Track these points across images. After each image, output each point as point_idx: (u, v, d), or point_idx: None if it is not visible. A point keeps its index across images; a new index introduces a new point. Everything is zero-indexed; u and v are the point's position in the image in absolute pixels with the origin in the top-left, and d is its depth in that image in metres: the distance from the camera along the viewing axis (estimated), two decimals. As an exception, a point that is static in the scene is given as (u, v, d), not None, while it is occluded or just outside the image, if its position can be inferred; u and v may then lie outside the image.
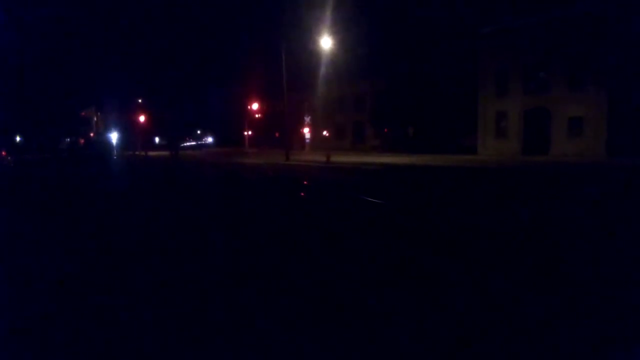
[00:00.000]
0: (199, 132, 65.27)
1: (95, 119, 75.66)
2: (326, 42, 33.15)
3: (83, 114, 72.92)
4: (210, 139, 64.35)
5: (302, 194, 15.04)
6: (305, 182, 18.14)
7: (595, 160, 27.01)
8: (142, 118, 64.02)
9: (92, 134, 78.25)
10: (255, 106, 65.51)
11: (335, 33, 34.20)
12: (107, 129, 72.21)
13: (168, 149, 59.80)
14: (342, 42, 38.16)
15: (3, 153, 40.81)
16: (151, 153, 57.63)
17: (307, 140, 57.35)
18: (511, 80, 36.59)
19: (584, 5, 32.03)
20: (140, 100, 66.94)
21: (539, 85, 35.16)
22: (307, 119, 56.20)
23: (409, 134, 48.60)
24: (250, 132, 72.39)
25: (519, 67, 35.96)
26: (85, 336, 3.90)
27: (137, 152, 59.41)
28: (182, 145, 64.45)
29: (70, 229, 9.11)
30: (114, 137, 67.94)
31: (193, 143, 63.44)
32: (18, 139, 67.38)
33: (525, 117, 36.07)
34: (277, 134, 65.05)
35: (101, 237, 8.10)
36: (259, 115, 68.47)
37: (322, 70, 44.95)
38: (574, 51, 32.43)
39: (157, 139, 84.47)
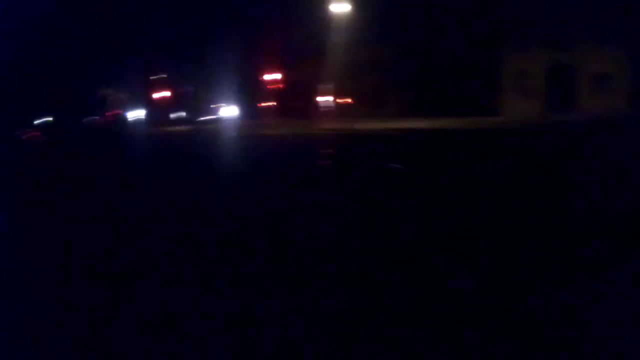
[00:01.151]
0: (217, 104, 65.29)
1: (117, 95, 76.23)
2: (345, 7, 32.85)
3: (105, 91, 73.49)
4: (230, 111, 64.46)
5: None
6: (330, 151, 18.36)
7: (622, 117, 26.61)
8: (162, 93, 64.38)
9: (115, 111, 78.99)
10: (275, 76, 65.16)
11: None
12: (129, 106, 72.77)
13: (189, 123, 60.22)
14: (360, 7, 37.67)
15: (35, 134, 41.80)
16: (171, 128, 58.08)
17: (329, 108, 57.09)
18: (533, 38, 35.81)
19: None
20: (157, 76, 67.16)
21: (563, 41, 34.38)
22: (328, 87, 55.78)
23: (430, 98, 48.09)
24: (270, 103, 72.26)
25: (541, 23, 35.13)
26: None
27: (160, 128, 59.96)
28: (203, 119, 64.68)
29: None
30: (136, 113, 68.52)
31: (215, 116, 63.57)
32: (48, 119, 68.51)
33: (548, 75, 35.44)
34: (298, 104, 64.78)
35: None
36: (279, 85, 68.13)
37: (341, 36, 44.44)
38: (598, 7, 31.52)
39: (175, 114, 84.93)
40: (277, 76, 63.25)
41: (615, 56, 30.98)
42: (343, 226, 6.62)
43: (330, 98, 56.49)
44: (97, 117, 72.39)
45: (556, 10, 33.77)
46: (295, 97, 63.55)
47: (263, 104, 73.09)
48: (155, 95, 64.92)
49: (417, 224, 6.51)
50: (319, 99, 56.67)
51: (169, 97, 67.87)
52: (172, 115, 79.05)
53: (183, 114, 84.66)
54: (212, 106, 67.57)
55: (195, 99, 76.78)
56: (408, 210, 7.44)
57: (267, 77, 66.57)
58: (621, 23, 30.43)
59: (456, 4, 43.35)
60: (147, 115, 69.63)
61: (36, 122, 63.17)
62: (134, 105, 70.43)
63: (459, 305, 3.81)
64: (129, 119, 68.25)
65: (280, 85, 68.31)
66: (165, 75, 67.74)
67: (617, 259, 4.68)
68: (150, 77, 65.10)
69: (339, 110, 55.41)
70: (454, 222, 6.49)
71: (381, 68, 53.94)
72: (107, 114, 78.58)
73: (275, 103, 72.31)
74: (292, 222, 7.03)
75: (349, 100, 44.39)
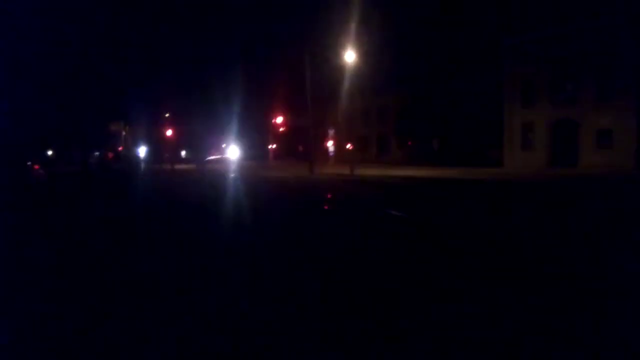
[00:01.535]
0: (223, 145, 66.07)
1: (123, 132, 77.31)
2: (350, 56, 33.37)
3: (112, 128, 74.59)
4: (235, 152, 65.08)
5: (326, 207, 15.14)
6: (329, 196, 18.22)
7: (625, 174, 26.42)
8: (169, 132, 65.21)
9: (120, 148, 79.96)
10: (279, 120, 66.09)
11: (359, 46, 34.43)
12: (135, 143, 73.64)
13: (195, 162, 60.74)
14: (366, 55, 38.36)
15: (35, 167, 41.88)
16: (178, 166, 58.60)
17: (331, 153, 57.53)
18: (537, 92, 36.20)
19: (610, 17, 31.64)
20: (167, 115, 68.26)
21: (566, 97, 34.71)
22: (331, 132, 56.38)
23: (433, 147, 48.37)
24: (273, 145, 72.97)
25: (545, 78, 35.58)
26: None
27: (164, 166, 60.41)
28: (208, 158, 65.27)
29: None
30: (142, 150, 69.26)
31: (218, 156, 64.19)
32: (50, 152, 69.26)
33: (552, 129, 35.59)
34: (300, 147, 65.43)
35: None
36: (283, 128, 68.99)
37: (346, 83, 45.15)
38: (602, 62, 31.99)
39: (183, 153, 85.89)
40: (283, 120, 64.11)
41: (619, 112, 31.14)
42: (339, 270, 6.36)
43: (330, 144, 57.04)
44: (105, 152, 73.07)
45: (561, 65, 34.27)
46: (300, 141, 64.19)
47: (269, 146, 73.78)
48: (162, 133, 65.74)
49: (416, 270, 6.25)
50: (327, 143, 57.21)
51: (176, 135, 68.70)
52: (179, 154, 79.87)
53: (188, 152, 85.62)
54: (217, 146, 68.36)
55: (201, 138, 77.65)
56: (408, 255, 7.21)
57: (273, 120, 67.51)
58: (626, 79, 30.75)
59: (463, 56, 44.21)
60: (154, 152, 70.30)
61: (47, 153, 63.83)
62: (142, 142, 71.22)
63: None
64: (138, 156, 68.83)
65: (286, 129, 69.16)
66: (172, 114, 68.80)
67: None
68: (158, 115, 66.11)
69: (342, 156, 55.78)
70: (454, 268, 6.23)
71: (386, 116, 54.61)
72: (118, 148, 79.54)
73: (279, 146, 73.06)
74: (291, 263, 6.79)
75: (350, 146, 44.75)
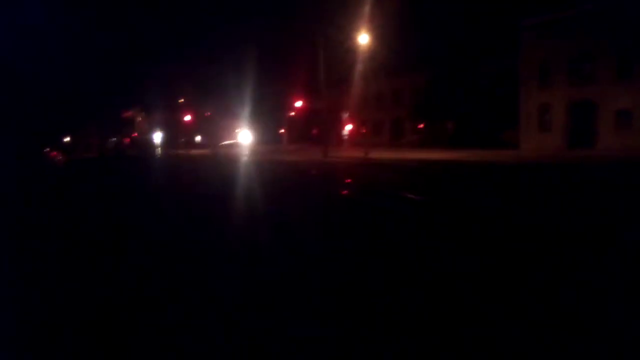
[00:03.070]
0: (237, 130, 66.24)
1: (139, 118, 77.86)
2: (364, 38, 33.04)
3: (128, 114, 75.19)
4: (248, 137, 65.26)
5: (343, 191, 15.15)
6: (342, 179, 18.22)
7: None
8: (184, 118, 65.54)
9: (135, 134, 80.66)
10: (294, 103, 65.94)
11: (373, 28, 34.07)
12: (151, 129, 74.18)
13: (209, 147, 61.03)
14: (380, 37, 37.96)
15: (53, 154, 42.54)
16: (193, 151, 58.98)
17: (345, 136, 57.36)
18: (555, 73, 35.62)
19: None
20: (182, 100, 68.54)
21: (584, 77, 34.10)
22: (345, 115, 56.17)
23: (448, 129, 47.97)
24: (287, 129, 72.96)
25: (562, 58, 34.97)
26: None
27: (179, 151, 60.84)
28: (222, 143, 65.54)
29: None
30: (157, 136, 69.82)
31: (232, 141, 64.43)
32: (67, 139, 70.14)
33: (569, 110, 35.07)
34: (314, 131, 65.29)
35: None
36: (298, 112, 68.86)
37: (360, 66, 44.82)
38: (620, 41, 31.31)
39: (198, 138, 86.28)
40: (298, 103, 63.94)
41: (638, 93, 30.54)
42: (354, 254, 6.41)
43: (349, 127, 56.82)
44: (121, 138, 73.75)
45: (578, 46, 33.64)
46: (315, 125, 64.05)
47: (283, 130, 73.76)
48: (176, 119, 66.08)
49: (434, 255, 6.27)
50: (341, 127, 57.04)
51: (190, 120, 69.00)
52: (193, 139, 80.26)
53: (202, 137, 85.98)
54: (232, 131, 68.54)
55: (215, 123, 77.92)
56: (424, 241, 7.22)
57: (286, 104, 67.39)
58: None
59: (479, 37, 43.54)
60: (169, 137, 70.76)
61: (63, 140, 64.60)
62: (157, 128, 71.76)
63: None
64: (154, 141, 69.44)
65: (300, 113, 69.02)
66: (186, 100, 69.07)
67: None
68: (173, 101, 66.41)
69: (356, 139, 55.62)
70: (468, 255, 6.24)
71: (400, 99, 54.20)
72: (133, 135, 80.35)
73: (294, 129, 72.97)
74: (305, 246, 6.85)
75: (364, 129, 44.56)
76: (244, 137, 63.52)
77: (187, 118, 66.63)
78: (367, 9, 34.45)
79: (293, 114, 69.62)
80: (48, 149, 52.36)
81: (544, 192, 13.12)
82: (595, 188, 13.65)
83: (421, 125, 51.05)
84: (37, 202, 14.32)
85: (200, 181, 19.97)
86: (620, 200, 10.88)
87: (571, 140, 34.77)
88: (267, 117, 71.35)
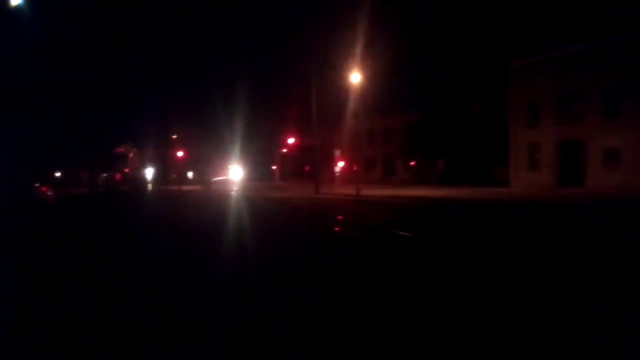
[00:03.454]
0: (229, 166, 66.37)
1: (131, 154, 77.83)
2: (356, 77, 33.54)
3: (120, 150, 75.17)
4: (240, 173, 65.33)
5: (336, 228, 15.04)
6: (335, 217, 18.13)
7: (633, 193, 26.14)
8: (176, 154, 65.58)
9: (126, 170, 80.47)
10: (286, 140, 66.41)
11: (365, 67, 34.65)
12: (143, 165, 74.08)
13: (201, 183, 60.95)
14: (373, 76, 38.61)
15: (42, 188, 42.14)
16: (185, 187, 58.79)
17: (337, 174, 57.58)
18: (543, 112, 36.23)
19: (615, 35, 31.76)
20: (175, 137, 68.73)
21: (573, 116, 34.67)
22: (337, 152, 56.53)
23: (439, 167, 48.30)
24: (279, 166, 73.21)
25: (550, 98, 35.63)
26: None
27: (171, 187, 60.64)
28: (214, 179, 65.48)
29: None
30: (149, 172, 69.64)
31: (224, 177, 64.45)
32: (57, 174, 69.76)
33: (558, 149, 35.50)
34: (306, 168, 65.58)
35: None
36: (290, 149, 69.29)
37: (352, 104, 45.42)
38: (608, 81, 32.02)
39: (190, 174, 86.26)
40: (290, 140, 64.42)
41: (627, 131, 31.03)
42: (344, 290, 6.28)
43: (341, 164, 57.11)
44: (112, 174, 73.47)
45: (567, 85, 34.32)
46: (306, 162, 64.37)
47: (274, 167, 73.99)
48: (169, 155, 66.14)
49: (425, 291, 6.16)
50: (333, 164, 57.32)
51: (182, 157, 69.06)
52: (186, 175, 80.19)
53: (194, 173, 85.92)
54: (224, 167, 68.63)
55: (208, 159, 78.02)
56: (416, 277, 7.11)
57: (280, 140, 67.86)
58: (633, 98, 30.70)
59: (469, 77, 44.46)
60: (161, 173, 70.66)
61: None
62: (149, 164, 71.70)
63: None
64: (145, 177, 69.25)
65: (292, 149, 69.46)
66: (178, 136, 69.29)
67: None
68: (165, 137, 66.61)
69: (348, 176, 55.80)
70: (459, 290, 6.13)
71: (392, 137, 54.74)
72: (125, 170, 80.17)
73: (286, 166, 73.24)
74: (294, 282, 6.72)
75: (356, 167, 44.78)
76: (235, 174, 63.54)
77: (180, 154, 66.69)
78: (359, 49, 35.15)
79: (285, 150, 70.01)
80: (38, 184, 51.99)
81: (528, 229, 13.17)
82: (578, 226, 13.67)
83: (413, 163, 51.41)
84: (20, 243, 14.07)
85: (190, 218, 19.79)
86: (599, 238, 10.87)
87: (561, 179, 35.06)
88: (259, 153, 71.62)
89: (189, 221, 18.12)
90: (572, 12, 36.53)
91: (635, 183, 29.86)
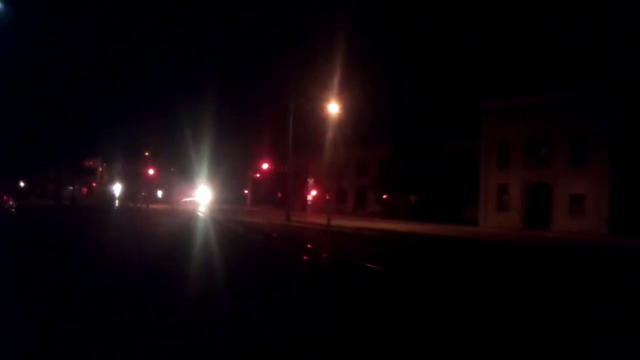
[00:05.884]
0: (199, 188, 65.61)
1: (100, 169, 76.27)
2: (333, 108, 33.84)
3: (89, 163, 73.62)
4: (209, 196, 64.66)
5: (305, 257, 14.91)
6: (305, 245, 18.01)
7: (596, 239, 26.78)
8: (150, 171, 64.61)
9: (94, 184, 78.72)
10: (259, 166, 66.23)
11: (342, 100, 34.99)
12: (111, 180, 72.62)
13: (170, 203, 60.02)
14: (348, 109, 39.01)
15: (4, 197, 40.78)
16: (152, 206, 57.71)
17: (309, 202, 57.47)
18: (513, 155, 37.09)
19: (585, 86, 33.03)
20: (146, 154, 67.80)
21: (541, 161, 35.62)
22: (310, 181, 56.56)
23: (410, 202, 48.75)
24: (252, 191, 72.75)
25: (521, 141, 36.56)
26: None
27: (138, 204, 59.48)
28: (183, 200, 64.58)
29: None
30: (116, 188, 68.26)
31: (193, 198, 63.63)
32: (22, 184, 67.73)
33: (526, 192, 36.30)
34: (279, 194, 65.34)
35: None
36: (262, 174, 69.06)
37: (328, 134, 45.75)
38: (575, 129, 33.12)
39: (159, 193, 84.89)
40: (264, 166, 64.31)
41: (592, 178, 31.99)
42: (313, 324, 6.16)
43: (314, 193, 57.11)
44: (78, 188, 71.68)
45: (537, 130, 35.33)
46: (279, 188, 64.18)
47: (245, 191, 73.52)
48: (138, 172, 65.07)
49: (396, 326, 6.08)
50: (305, 192, 57.23)
51: (152, 175, 68.04)
52: (155, 193, 78.86)
53: (163, 193, 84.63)
54: (194, 188, 67.81)
55: (178, 179, 77.01)
56: (386, 312, 7.04)
57: (251, 165, 67.64)
58: (599, 146, 31.75)
59: (443, 116, 45.47)
60: (129, 190, 69.34)
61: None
62: (118, 180, 70.35)
63: None
64: (113, 193, 67.84)
65: (265, 175, 69.24)
66: (149, 154, 68.40)
67: None
68: (135, 154, 65.64)
69: (320, 205, 55.78)
70: (431, 324, 6.09)
71: (365, 169, 55.20)
72: (92, 185, 78.33)
73: (258, 191, 72.83)
74: (261, 313, 6.57)
75: (328, 196, 44.81)
76: (206, 196, 62.83)
77: (150, 172, 65.69)
78: (337, 81, 35.53)
79: (258, 175, 69.72)
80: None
81: (488, 267, 13.37)
82: (537, 267, 13.91)
83: (385, 196, 51.77)
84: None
85: (156, 238, 19.36)
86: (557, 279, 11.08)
87: (527, 221, 35.75)
88: (232, 177, 71.13)
89: (152, 240, 17.70)
90: (547, 60, 37.97)
91: (596, 229, 30.65)
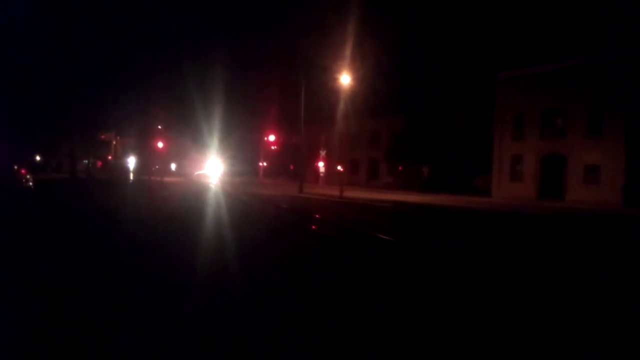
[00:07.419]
0: (212, 160, 65.89)
1: (114, 142, 76.85)
2: (345, 79, 33.57)
3: (103, 137, 74.09)
4: (222, 168, 64.98)
5: (314, 227, 15.03)
6: (317, 216, 18.11)
7: (612, 210, 26.56)
8: (160, 144, 64.90)
9: (110, 157, 79.45)
10: (271, 137, 66.20)
11: (354, 70, 34.66)
12: (126, 153, 73.22)
13: (183, 176, 60.50)
14: (361, 79, 38.65)
15: (22, 171, 41.39)
16: (166, 178, 58.23)
17: (322, 174, 57.52)
18: (528, 125, 36.65)
19: (600, 53, 32.28)
20: (159, 127, 67.98)
21: (556, 131, 35.16)
22: (323, 153, 56.50)
23: (423, 173, 48.56)
24: (265, 163, 72.94)
25: (535, 112, 36.07)
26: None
27: (152, 178, 60.06)
28: (197, 173, 64.97)
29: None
30: (131, 161, 68.86)
31: (206, 171, 64.03)
32: (38, 158, 68.60)
33: (541, 162, 35.95)
34: (291, 166, 65.46)
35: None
36: (275, 146, 69.10)
37: (340, 105, 45.42)
38: (592, 98, 32.52)
39: (173, 165, 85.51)
40: (271, 138, 64.31)
41: (608, 149, 31.54)
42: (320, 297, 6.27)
43: (322, 164, 57.12)
44: (93, 161, 72.46)
45: (552, 100, 34.79)
46: (292, 160, 64.25)
47: (259, 163, 73.74)
48: (152, 145, 65.38)
49: (405, 297, 6.17)
50: (318, 164, 57.26)
51: (166, 148, 68.35)
52: (168, 166, 79.50)
53: (177, 165, 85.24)
54: (207, 161, 68.16)
55: (192, 152, 77.39)
56: (397, 282, 7.12)
57: (265, 137, 67.62)
58: (615, 116, 31.22)
59: (458, 86, 44.79)
60: (143, 163, 69.87)
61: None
62: (132, 153, 70.89)
63: None
64: (127, 166, 68.46)
65: (278, 147, 69.28)
66: (163, 127, 68.57)
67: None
68: (149, 127, 65.80)
69: (332, 177, 55.83)
70: (439, 295, 6.17)
71: (378, 140, 54.91)
72: (107, 158, 79.09)
73: (271, 163, 73.01)
74: (271, 285, 6.70)
75: (341, 168, 44.69)
76: (219, 168, 63.13)
77: (159, 145, 65.93)
78: (349, 51, 35.13)
79: (272, 147, 69.77)
80: (17, 167, 51.09)
81: (503, 238, 13.37)
82: (552, 238, 13.87)
83: (398, 168, 51.60)
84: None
85: (171, 209, 19.60)
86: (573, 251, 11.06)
87: (541, 191, 35.52)
88: (245, 149, 71.28)
89: (167, 212, 17.94)
90: (563, 28, 37.02)
91: (612, 200, 30.38)
